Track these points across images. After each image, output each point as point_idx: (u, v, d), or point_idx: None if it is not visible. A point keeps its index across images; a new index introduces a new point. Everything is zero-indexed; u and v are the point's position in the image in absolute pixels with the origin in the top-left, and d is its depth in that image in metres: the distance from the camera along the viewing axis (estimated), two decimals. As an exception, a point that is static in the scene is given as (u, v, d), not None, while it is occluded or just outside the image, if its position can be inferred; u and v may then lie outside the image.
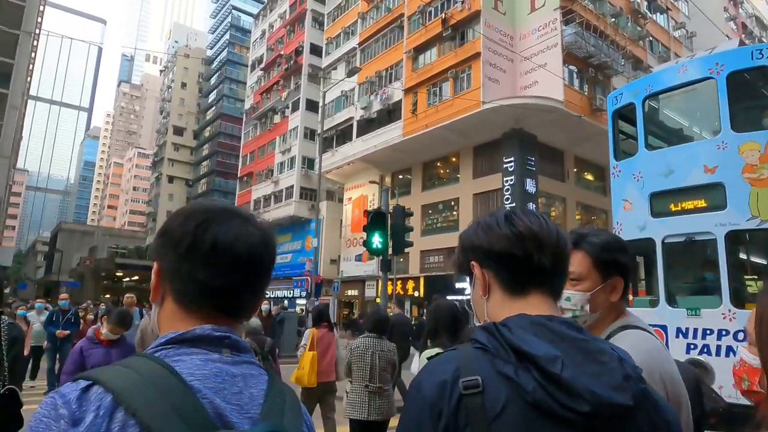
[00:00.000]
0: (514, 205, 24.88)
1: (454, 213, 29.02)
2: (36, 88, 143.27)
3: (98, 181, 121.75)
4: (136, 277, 25.65)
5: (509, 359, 0.80)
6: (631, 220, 6.39)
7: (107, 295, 26.70)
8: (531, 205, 24.91)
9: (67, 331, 8.87)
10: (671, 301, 5.83)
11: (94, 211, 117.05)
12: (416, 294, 29.97)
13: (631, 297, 6.11)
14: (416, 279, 30.06)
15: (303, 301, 40.94)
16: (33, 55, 28.07)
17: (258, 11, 55.23)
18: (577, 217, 29.05)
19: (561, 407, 0.76)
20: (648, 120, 6.64)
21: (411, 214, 9.06)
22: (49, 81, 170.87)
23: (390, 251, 7.68)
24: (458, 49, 26.73)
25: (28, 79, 34.08)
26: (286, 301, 41.93)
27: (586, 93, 25.86)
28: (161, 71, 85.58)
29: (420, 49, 29.15)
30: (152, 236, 61.07)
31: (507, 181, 25.47)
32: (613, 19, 27.59)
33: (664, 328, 5.57)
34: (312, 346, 5.48)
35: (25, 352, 7.08)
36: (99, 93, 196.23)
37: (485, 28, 25.54)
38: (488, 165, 27.53)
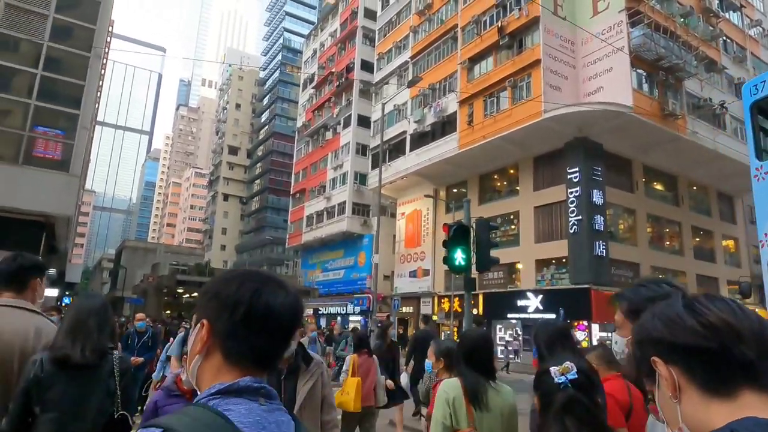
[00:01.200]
0: (580, 218, 23.52)
1: (514, 227, 27.82)
2: (102, 114, 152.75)
3: (158, 200, 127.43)
4: (195, 294, 25.96)
5: None
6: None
7: (167, 311, 27.12)
8: (599, 218, 23.49)
9: (141, 359, 7.43)
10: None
11: (154, 229, 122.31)
12: (475, 311, 28.78)
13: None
14: (475, 296, 28.89)
15: (356, 318, 40.55)
16: (100, 83, 29.46)
17: (309, 32, 56.34)
18: (648, 230, 27.18)
19: None
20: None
21: (496, 228, 8.29)
22: (114, 107, 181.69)
23: (473, 268, 6.95)
24: (516, 58, 25.84)
25: (96, 104, 35.91)
26: (339, 318, 41.67)
27: (656, 97, 24.26)
28: (220, 89, 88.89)
29: (475, 60, 28.44)
30: (209, 253, 62.80)
31: (571, 192, 24.15)
32: (682, 20, 25.94)
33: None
34: (354, 372, 5.68)
35: None
36: (159, 117, 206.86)
37: (545, 35, 24.58)
38: (549, 176, 26.28)
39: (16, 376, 2.09)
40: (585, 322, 22.94)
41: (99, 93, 36.71)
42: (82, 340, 2.15)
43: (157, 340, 8.48)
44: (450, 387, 2.64)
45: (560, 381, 1.54)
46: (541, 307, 24.65)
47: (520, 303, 25.67)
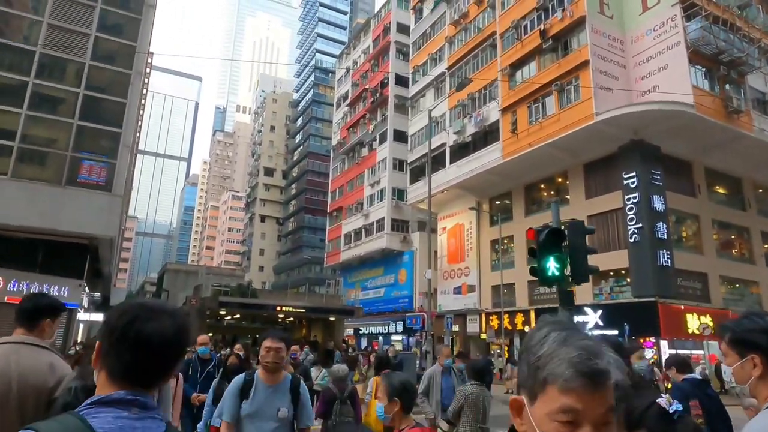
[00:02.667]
0: (640, 226, 21.90)
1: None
2: (143, 143, 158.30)
3: (197, 224, 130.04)
4: (237, 315, 25.40)
5: None
6: None
7: (210, 334, 26.62)
8: (661, 225, 21.83)
9: (205, 395, 5.88)
10: None
11: (193, 253, 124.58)
12: (527, 329, 27.20)
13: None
14: (525, 312, 27.38)
15: (398, 337, 39.31)
16: (141, 112, 29.82)
17: (341, 51, 56.58)
18: (714, 237, 25.17)
19: None
20: None
21: (592, 231, 7.21)
22: (153, 136, 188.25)
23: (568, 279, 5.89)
24: (561, 60, 24.69)
25: (138, 132, 36.54)
26: (380, 338, 40.50)
27: (717, 94, 22.61)
28: (255, 113, 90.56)
29: (516, 66, 27.42)
30: (247, 274, 62.98)
31: (629, 199, 22.58)
32: (740, 11, 24.30)
33: None
34: (377, 394, 4.74)
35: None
36: (196, 143, 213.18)
37: (592, 35, 23.39)
38: (603, 183, 24.77)
39: (32, 411, 2.09)
40: (652, 339, 21.16)
41: (140, 122, 37.38)
42: None
43: (224, 368, 6.64)
44: None
45: (676, 409, 1.57)
46: (601, 323, 22.96)
47: (577, 319, 23.97)
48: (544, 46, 25.53)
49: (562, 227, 6.12)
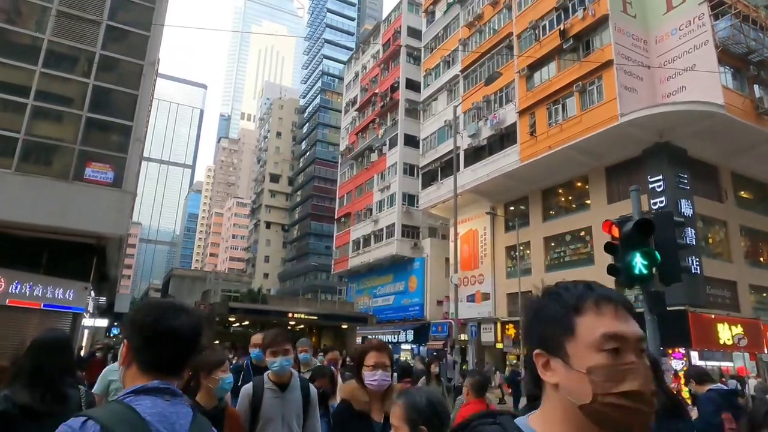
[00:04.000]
0: (667, 231, 20.97)
1: (587, 244, 25.39)
2: (148, 150, 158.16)
3: (201, 231, 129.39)
4: (246, 322, 24.48)
5: None
6: None
7: (216, 341, 25.73)
8: (689, 231, 20.91)
9: None
10: None
11: (197, 260, 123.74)
12: (545, 338, 26.24)
13: None
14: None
15: (407, 347, 38.30)
16: (147, 117, 29.13)
17: (350, 56, 56.12)
18: (742, 244, 24.26)
19: None
20: None
21: (681, 224, 6.35)
22: (158, 143, 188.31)
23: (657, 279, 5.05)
24: (583, 61, 23.94)
25: (144, 136, 35.92)
26: (390, 347, 39.46)
27: (747, 95, 21.82)
28: (261, 119, 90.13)
29: (535, 67, 26.70)
30: (253, 281, 62.14)
31: (655, 203, 21.69)
32: (767, 11, 23.58)
33: None
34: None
35: None
36: (201, 151, 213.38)
37: (616, 34, 22.66)
38: (626, 187, 23.79)
39: None
40: (682, 349, 20.18)
41: (146, 129, 36.72)
42: (42, 388, 2.14)
43: None
44: None
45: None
46: (626, 333, 21.97)
47: (600, 328, 23.02)
48: (564, 47, 24.82)
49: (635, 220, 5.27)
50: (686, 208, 21.38)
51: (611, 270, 5.50)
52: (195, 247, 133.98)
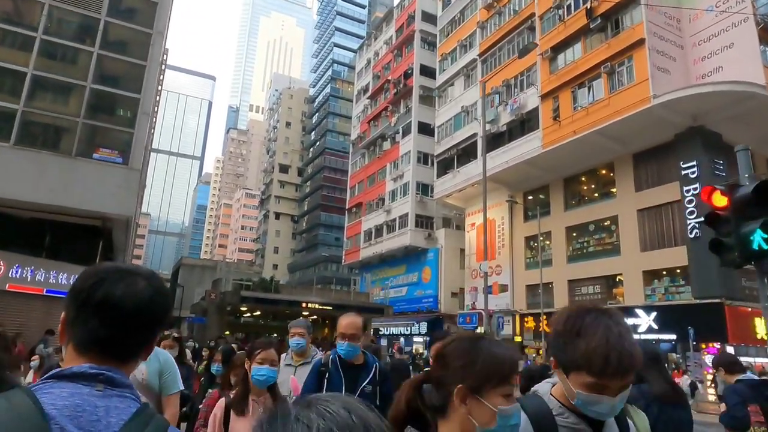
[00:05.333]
0: (702, 219, 19.84)
1: (613, 234, 24.30)
2: (157, 142, 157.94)
3: (209, 222, 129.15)
4: (257, 312, 23.67)
5: None
6: None
7: (227, 332, 24.97)
8: (725, 219, 19.72)
9: None
10: None
11: (206, 251, 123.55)
12: (567, 332, 25.22)
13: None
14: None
15: (420, 339, 37.42)
16: (156, 108, 28.25)
17: (361, 42, 54.96)
18: (777, 234, 23.00)
19: None
20: None
21: None
22: (167, 134, 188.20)
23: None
24: (612, 40, 22.75)
25: (152, 130, 35.08)
26: (402, 339, 38.65)
27: (789, 76, 20.54)
28: (270, 109, 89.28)
29: (558, 48, 25.51)
30: (264, 272, 61.48)
31: (689, 191, 20.57)
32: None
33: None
34: None
35: None
36: (209, 142, 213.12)
37: (647, 11, 21.43)
38: (655, 174, 22.79)
39: None
40: (717, 344, 19.11)
41: (154, 119, 35.90)
42: None
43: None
44: None
45: None
46: (655, 326, 20.98)
47: (627, 322, 21.94)
48: (591, 26, 23.63)
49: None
50: (722, 195, 20.21)
51: (714, 246, 4.55)
52: (204, 238, 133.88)
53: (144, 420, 0.94)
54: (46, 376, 0.93)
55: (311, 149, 70.22)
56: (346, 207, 49.62)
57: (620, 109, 21.54)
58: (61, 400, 0.88)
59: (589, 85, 23.61)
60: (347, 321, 3.20)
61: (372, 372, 3.23)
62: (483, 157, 16.31)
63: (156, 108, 33.51)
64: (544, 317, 25.33)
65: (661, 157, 22.34)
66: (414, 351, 31.94)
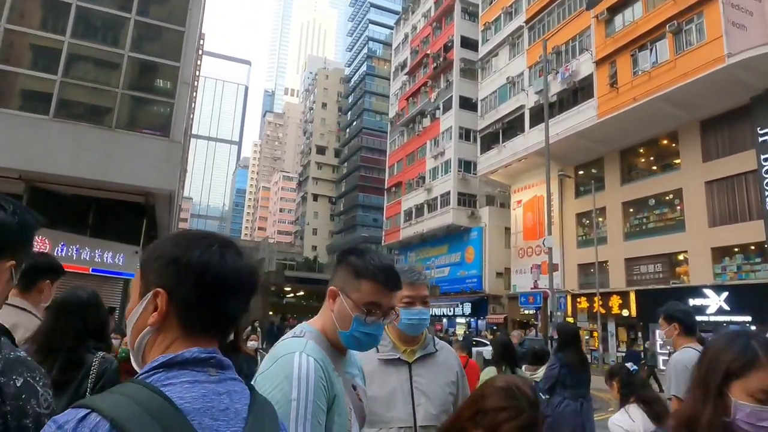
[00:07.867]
0: (783, 190, 18.00)
1: (677, 208, 22.55)
2: (196, 128, 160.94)
3: (248, 206, 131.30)
4: (301, 292, 23.30)
5: None
6: None
7: (270, 313, 24.75)
8: (811, 190, 17.82)
9: None
10: None
11: (246, 234, 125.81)
12: (624, 313, 23.81)
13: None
14: (623, 294, 23.93)
15: (462, 320, 36.56)
16: (194, 93, 27.91)
17: (398, 17, 53.38)
18: None
19: None
20: None
21: None
22: (206, 120, 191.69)
23: None
24: (678, -5, 20.71)
25: (192, 112, 35.08)
26: (444, 320, 37.89)
27: None
28: (306, 90, 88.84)
29: (616, 9, 23.58)
30: (304, 253, 61.64)
31: (767, 159, 18.65)
32: None
33: None
34: None
35: None
36: (247, 126, 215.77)
37: (721, -40, 19.31)
38: (727, 142, 20.85)
39: None
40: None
41: (193, 105, 35.77)
42: (54, 356, 1.95)
43: None
44: None
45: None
46: (726, 308, 19.35)
47: (693, 302, 20.36)
48: (654, -18, 21.62)
49: None
50: (806, 163, 18.26)
51: None
52: (243, 221, 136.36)
53: (261, 400, 0.88)
54: (152, 365, 0.80)
55: (348, 129, 69.53)
56: (385, 187, 48.79)
57: (688, 71, 19.65)
58: (187, 392, 0.77)
59: (651, 47, 21.70)
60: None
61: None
62: (546, 123, 15.12)
63: (194, 93, 33.40)
64: (597, 298, 23.94)
65: (734, 124, 20.38)
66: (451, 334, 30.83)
